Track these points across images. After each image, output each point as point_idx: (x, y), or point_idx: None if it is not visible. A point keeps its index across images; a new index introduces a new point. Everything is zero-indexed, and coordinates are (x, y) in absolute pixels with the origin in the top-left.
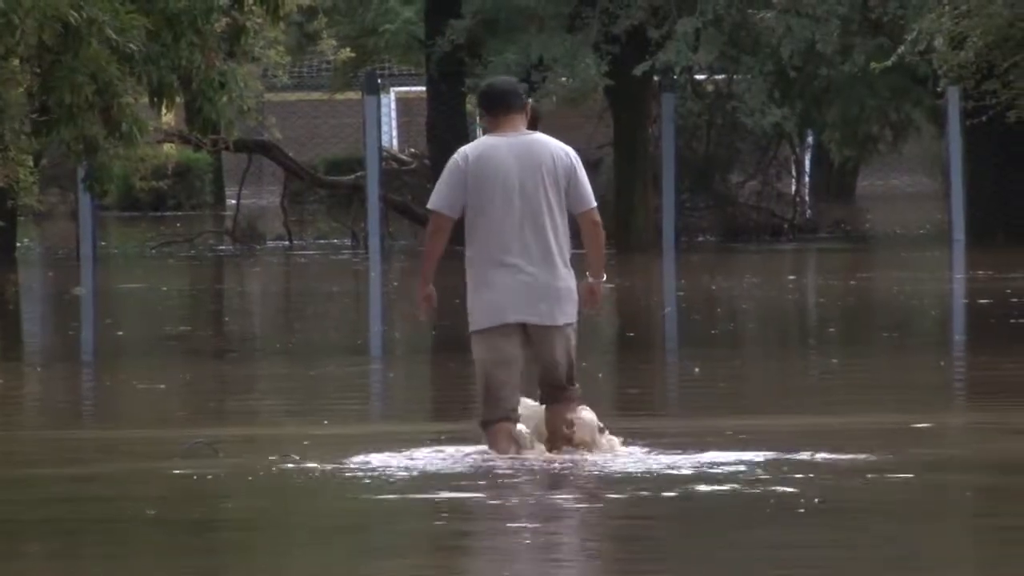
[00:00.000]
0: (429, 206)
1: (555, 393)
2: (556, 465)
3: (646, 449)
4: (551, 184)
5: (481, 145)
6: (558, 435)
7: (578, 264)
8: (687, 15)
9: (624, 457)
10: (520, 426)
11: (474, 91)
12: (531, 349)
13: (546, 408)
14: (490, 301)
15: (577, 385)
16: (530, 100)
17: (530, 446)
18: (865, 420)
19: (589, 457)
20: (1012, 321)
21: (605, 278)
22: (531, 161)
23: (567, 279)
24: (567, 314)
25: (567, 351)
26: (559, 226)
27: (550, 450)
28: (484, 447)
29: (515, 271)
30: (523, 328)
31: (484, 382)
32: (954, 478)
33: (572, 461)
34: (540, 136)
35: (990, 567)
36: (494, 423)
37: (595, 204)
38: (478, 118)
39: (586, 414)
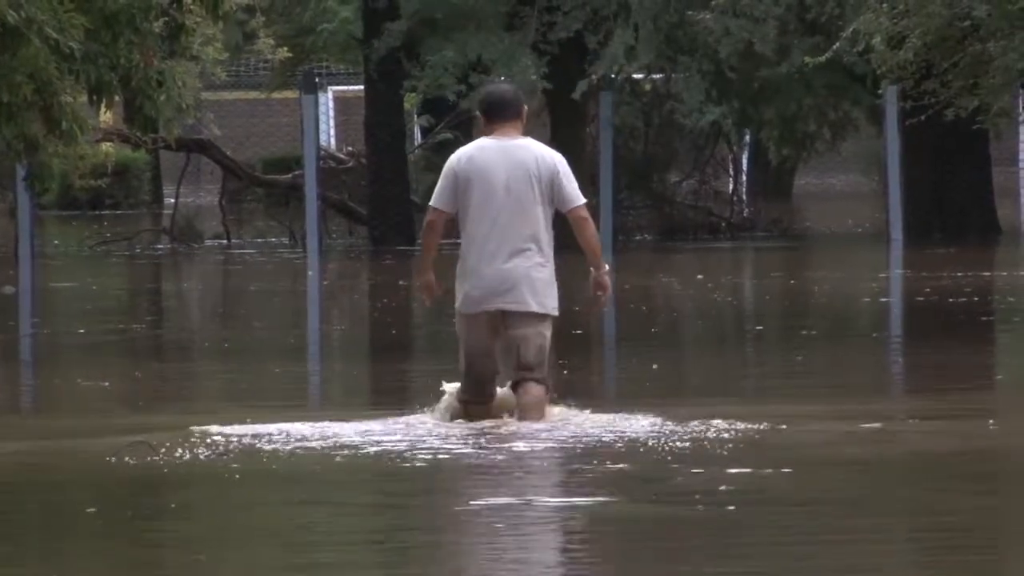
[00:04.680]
0: (430, 203)
1: (522, 377)
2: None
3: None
4: (534, 184)
5: (474, 148)
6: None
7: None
8: (624, 21)
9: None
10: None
11: (413, 91)
12: (505, 334)
13: (517, 396)
14: (473, 288)
15: (546, 377)
16: (525, 106)
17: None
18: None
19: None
20: (937, 319)
21: (607, 267)
22: (516, 163)
23: (546, 272)
24: (543, 304)
25: (537, 339)
26: (541, 223)
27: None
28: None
29: (497, 262)
30: (501, 316)
31: (465, 363)
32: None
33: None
34: (528, 141)
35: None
36: (470, 404)
37: (582, 202)
38: (416, 115)
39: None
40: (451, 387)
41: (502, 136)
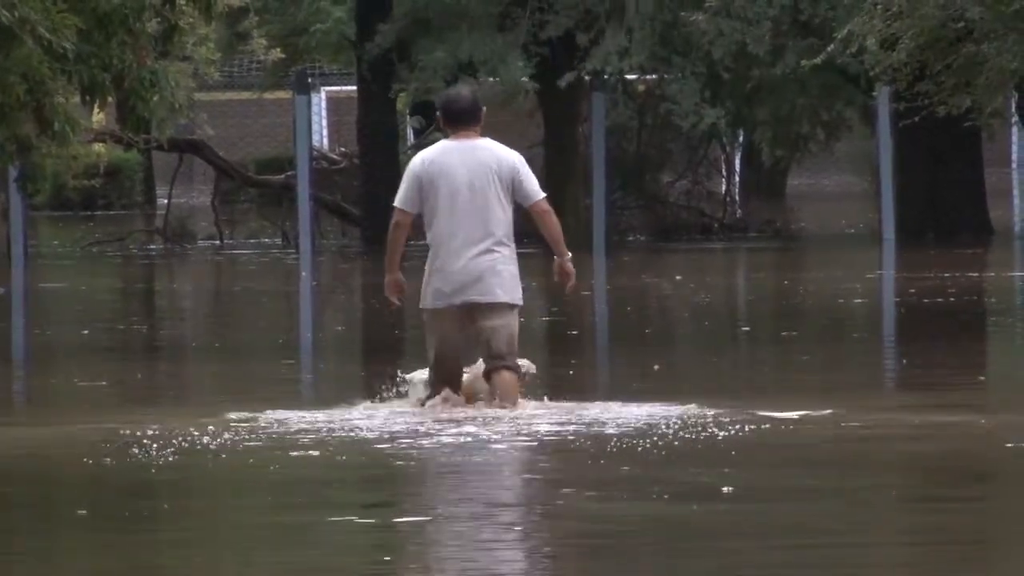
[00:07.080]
0: (394, 204)
1: (495, 365)
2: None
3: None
4: (496, 182)
5: (437, 150)
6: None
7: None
8: (616, 21)
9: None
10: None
11: (402, 92)
12: (475, 326)
13: (491, 384)
14: (441, 284)
15: (517, 362)
16: (484, 109)
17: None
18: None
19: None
20: (928, 319)
21: (570, 255)
22: (479, 163)
23: (510, 265)
24: (510, 295)
25: (507, 328)
26: (504, 219)
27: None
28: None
29: (463, 258)
30: (469, 309)
31: (434, 354)
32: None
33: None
34: (488, 142)
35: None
36: (441, 387)
37: (543, 196)
38: (408, 115)
39: (508, 376)
40: (415, 376)
41: (463, 139)
